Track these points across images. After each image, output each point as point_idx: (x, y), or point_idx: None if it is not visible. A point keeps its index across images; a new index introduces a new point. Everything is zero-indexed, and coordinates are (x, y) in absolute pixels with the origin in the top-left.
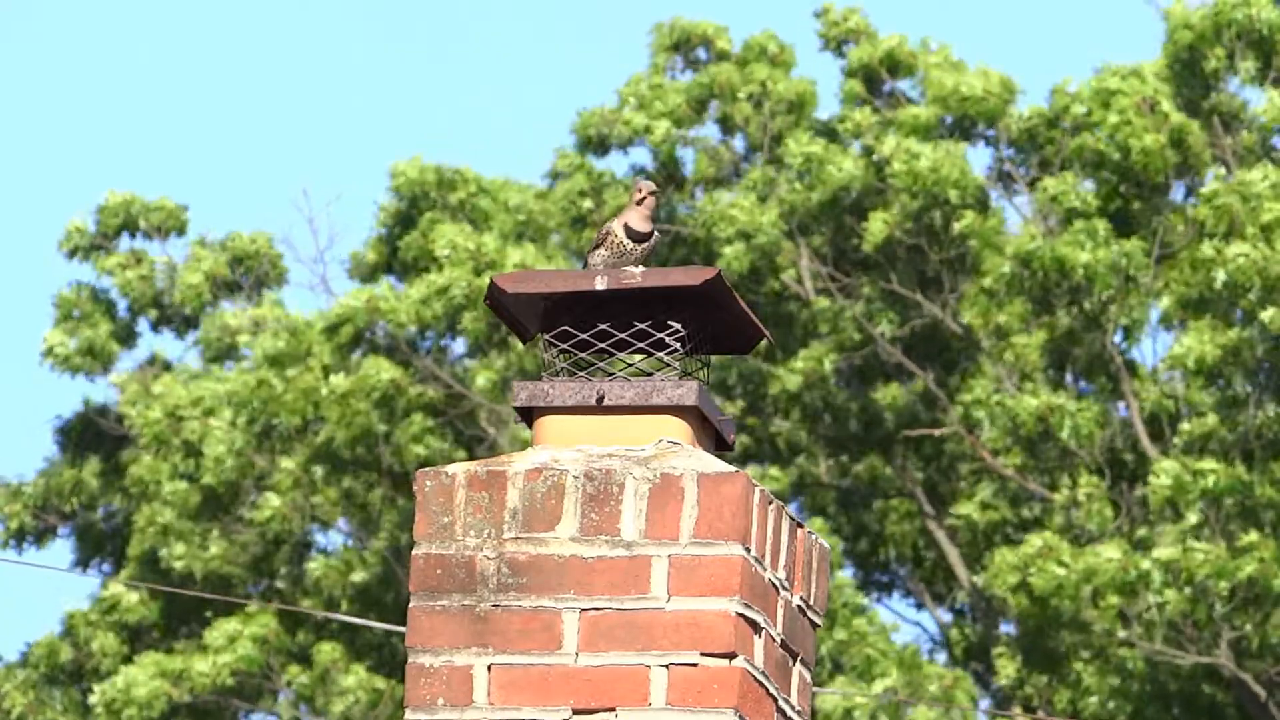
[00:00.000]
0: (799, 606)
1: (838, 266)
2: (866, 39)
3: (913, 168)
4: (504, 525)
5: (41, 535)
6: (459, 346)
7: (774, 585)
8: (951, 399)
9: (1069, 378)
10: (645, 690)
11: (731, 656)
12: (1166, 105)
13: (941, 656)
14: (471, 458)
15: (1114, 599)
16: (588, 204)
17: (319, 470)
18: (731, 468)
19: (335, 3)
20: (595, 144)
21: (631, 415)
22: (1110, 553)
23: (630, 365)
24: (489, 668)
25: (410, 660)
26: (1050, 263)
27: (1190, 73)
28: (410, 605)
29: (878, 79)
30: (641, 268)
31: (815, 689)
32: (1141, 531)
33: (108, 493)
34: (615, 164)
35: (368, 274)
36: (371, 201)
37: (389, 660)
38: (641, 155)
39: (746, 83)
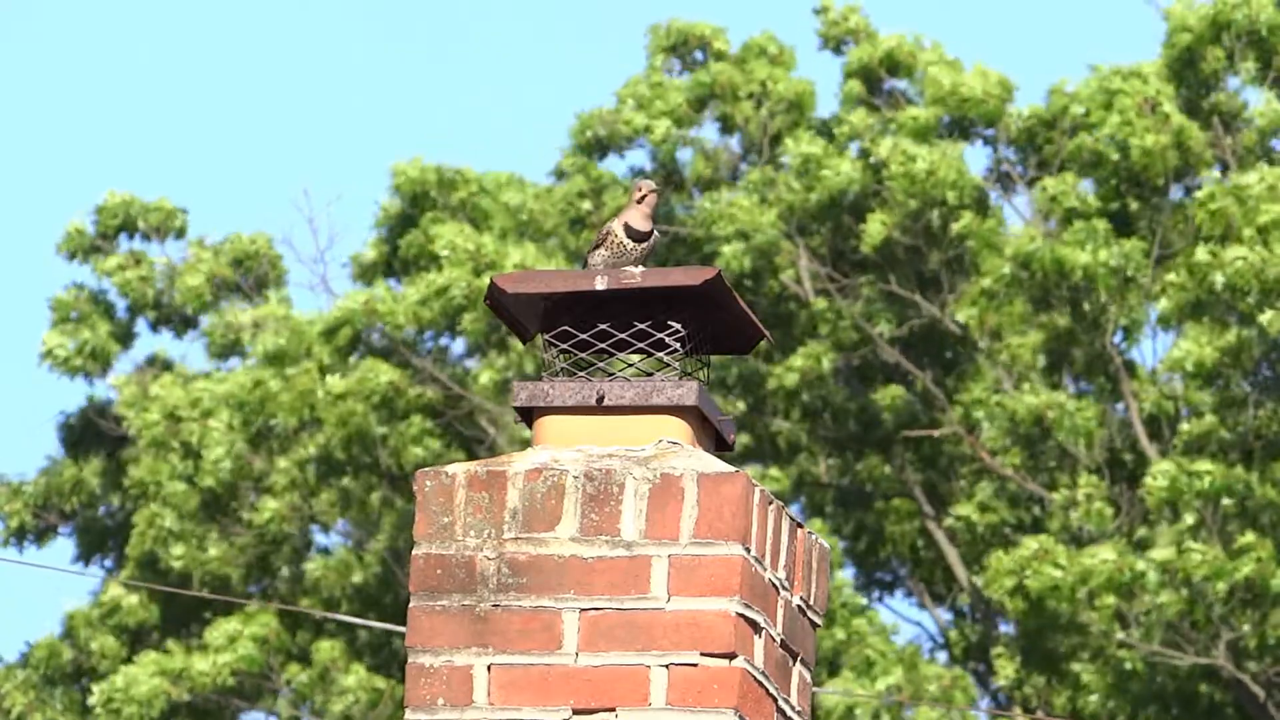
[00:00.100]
0: (799, 606)
1: (836, 267)
2: (866, 39)
3: (909, 170)
4: (504, 525)
5: (42, 534)
6: (458, 347)
7: (774, 585)
8: (950, 399)
9: (1068, 378)
10: (645, 690)
11: (731, 657)
12: (1168, 106)
13: (942, 656)
14: (470, 459)
15: (1110, 600)
16: (586, 205)
17: (318, 471)
18: (731, 468)
19: (335, 3)
20: (594, 147)
21: (631, 415)
22: (1106, 554)
23: (630, 365)
24: (489, 668)
25: (410, 660)
26: (1050, 264)
27: (1190, 73)
28: (410, 605)
29: (877, 79)
30: (641, 268)
31: (816, 689)
32: (1141, 532)
33: (109, 492)
34: (614, 166)
35: (368, 274)
36: (373, 202)
37: (389, 661)
38: (640, 157)
39: (747, 82)
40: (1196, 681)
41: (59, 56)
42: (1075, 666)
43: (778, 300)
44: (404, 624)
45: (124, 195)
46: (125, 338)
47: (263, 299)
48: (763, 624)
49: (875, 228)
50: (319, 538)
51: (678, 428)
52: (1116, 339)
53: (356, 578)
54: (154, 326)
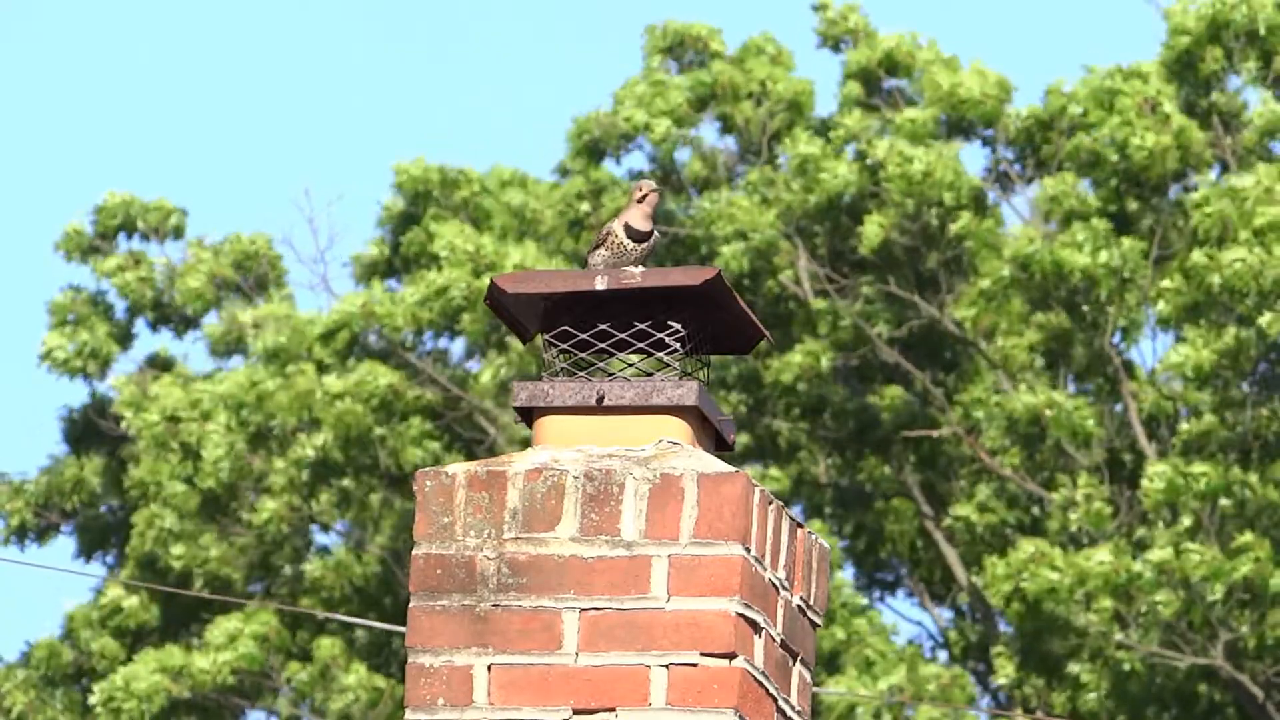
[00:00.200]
0: (799, 606)
1: (835, 267)
2: (865, 39)
3: (906, 171)
4: (504, 525)
5: (43, 533)
6: (458, 348)
7: (774, 585)
8: (949, 400)
9: (1066, 378)
10: (645, 690)
11: (731, 656)
12: (1168, 106)
13: (942, 656)
14: (470, 460)
15: (1107, 602)
16: (585, 207)
17: (315, 473)
18: (731, 468)
19: (335, 3)
20: (591, 151)
21: (631, 415)
22: (1102, 555)
23: (630, 365)
24: (489, 668)
25: (410, 660)
26: (1049, 266)
27: (1190, 73)
28: (410, 605)
29: (876, 80)
30: (641, 268)
31: (816, 689)
32: (1140, 532)
33: (110, 491)
34: (612, 168)
35: (369, 274)
36: (374, 201)
37: (389, 660)
38: (639, 160)
39: (748, 81)
40: (1195, 682)
41: (59, 56)
42: (1074, 668)
43: (777, 300)
44: (404, 624)
45: (123, 195)
46: (124, 338)
47: (263, 299)
48: (763, 624)
49: (872, 230)
50: (319, 538)
51: (678, 428)
52: (1115, 339)
53: (356, 578)
54: (154, 327)
